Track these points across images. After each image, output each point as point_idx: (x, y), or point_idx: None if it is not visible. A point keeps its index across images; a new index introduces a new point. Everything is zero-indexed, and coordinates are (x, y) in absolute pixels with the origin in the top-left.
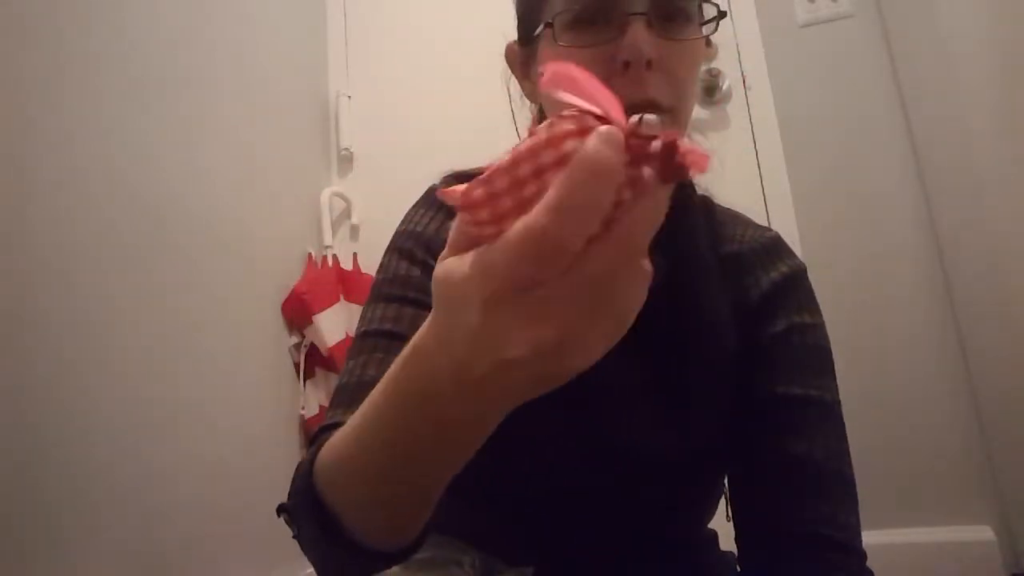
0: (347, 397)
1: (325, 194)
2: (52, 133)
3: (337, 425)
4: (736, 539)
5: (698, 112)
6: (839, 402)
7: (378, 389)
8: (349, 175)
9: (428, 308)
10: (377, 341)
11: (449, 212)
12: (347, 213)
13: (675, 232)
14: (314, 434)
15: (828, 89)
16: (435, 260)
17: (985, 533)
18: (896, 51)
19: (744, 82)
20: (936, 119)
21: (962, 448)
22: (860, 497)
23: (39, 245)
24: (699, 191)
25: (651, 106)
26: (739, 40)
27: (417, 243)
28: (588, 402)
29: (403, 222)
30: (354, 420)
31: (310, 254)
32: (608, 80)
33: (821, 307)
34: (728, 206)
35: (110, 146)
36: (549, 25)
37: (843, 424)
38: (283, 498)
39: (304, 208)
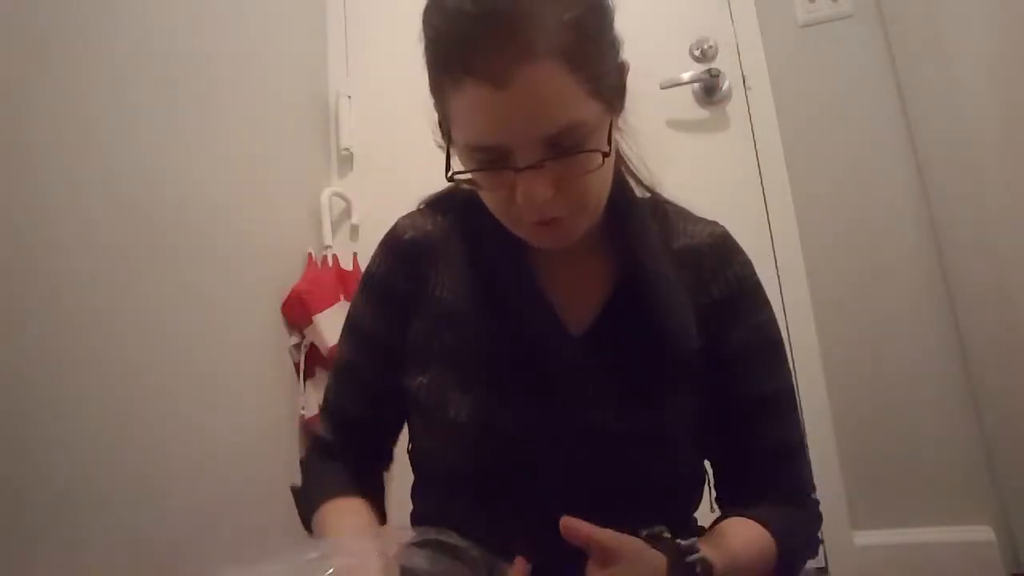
0: (333, 421)
1: (325, 194)
2: (50, 133)
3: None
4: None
5: (698, 112)
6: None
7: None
8: (349, 175)
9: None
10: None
11: (397, 255)
12: (347, 213)
13: (622, 228)
14: (313, 441)
15: (828, 89)
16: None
17: (985, 533)
18: (896, 51)
19: (744, 82)
20: (936, 119)
21: (962, 448)
22: (861, 496)
23: (38, 243)
24: (640, 190)
25: (555, 222)
26: (739, 40)
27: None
28: (558, 392)
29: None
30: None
31: (310, 254)
32: (511, 206)
33: (821, 307)
34: (675, 201)
35: (109, 147)
36: (453, 146)
37: (796, 399)
38: (282, 498)
39: (304, 208)
